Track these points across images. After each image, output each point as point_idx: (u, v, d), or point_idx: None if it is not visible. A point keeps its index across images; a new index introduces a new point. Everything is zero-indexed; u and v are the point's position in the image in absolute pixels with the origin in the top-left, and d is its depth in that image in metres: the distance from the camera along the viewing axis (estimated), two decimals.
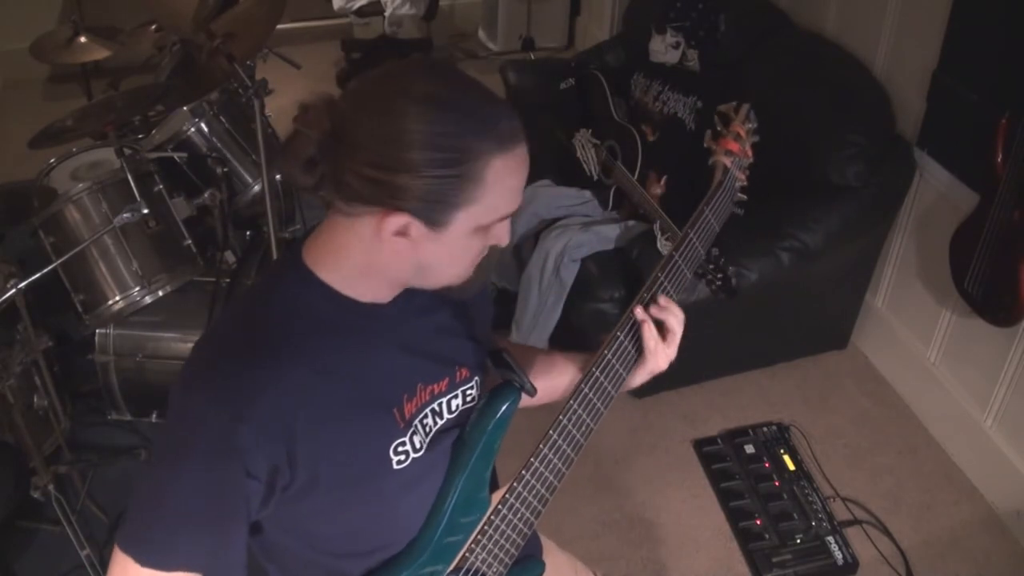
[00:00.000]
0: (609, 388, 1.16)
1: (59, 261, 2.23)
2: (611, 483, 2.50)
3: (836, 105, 2.56)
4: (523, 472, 1.13)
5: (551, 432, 1.13)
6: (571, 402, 1.13)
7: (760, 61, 2.84)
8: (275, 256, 2.40)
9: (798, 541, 2.31)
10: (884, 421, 2.70)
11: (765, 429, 2.62)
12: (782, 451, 2.54)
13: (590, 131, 2.99)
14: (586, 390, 1.14)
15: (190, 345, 2.44)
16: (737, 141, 1.40)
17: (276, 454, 0.97)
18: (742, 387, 2.81)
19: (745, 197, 1.42)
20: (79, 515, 2.26)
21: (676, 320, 1.18)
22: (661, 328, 1.18)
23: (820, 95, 2.60)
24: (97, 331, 2.43)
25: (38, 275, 2.12)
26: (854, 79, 2.64)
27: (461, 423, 1.16)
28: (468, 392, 1.17)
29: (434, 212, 0.94)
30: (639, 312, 1.16)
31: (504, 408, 1.14)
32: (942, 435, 2.63)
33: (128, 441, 2.55)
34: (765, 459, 2.52)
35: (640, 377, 1.21)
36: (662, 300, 1.18)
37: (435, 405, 1.12)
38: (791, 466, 2.50)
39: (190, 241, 2.47)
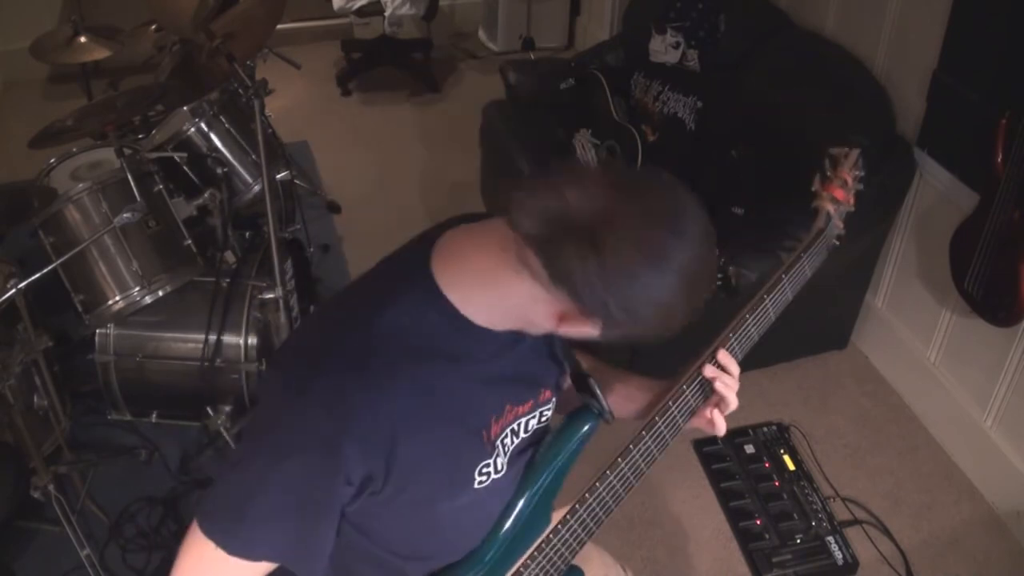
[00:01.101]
0: (679, 421, 1.21)
1: (59, 261, 2.23)
2: None
3: (836, 105, 2.56)
4: (586, 495, 1.16)
5: (618, 459, 1.15)
6: (643, 432, 1.16)
7: (760, 61, 2.83)
8: (275, 256, 2.39)
9: (798, 541, 2.31)
10: (884, 421, 2.70)
11: (765, 429, 2.61)
12: (782, 451, 2.54)
13: (590, 131, 2.99)
14: (660, 424, 1.18)
15: (190, 345, 2.47)
16: (843, 188, 1.37)
17: (375, 467, 0.99)
18: (742, 387, 2.77)
19: (839, 244, 1.41)
20: (79, 515, 2.26)
21: (733, 385, 1.23)
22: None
23: (820, 95, 2.59)
24: (97, 331, 2.43)
25: (38, 275, 2.12)
26: (854, 79, 2.64)
27: (535, 442, 1.18)
28: (545, 412, 1.19)
29: (617, 333, 0.96)
30: (708, 371, 1.20)
31: (581, 433, 1.16)
32: (942, 435, 2.63)
33: (128, 441, 2.55)
34: (765, 459, 2.52)
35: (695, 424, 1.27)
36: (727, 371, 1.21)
37: (515, 425, 1.14)
38: (791, 466, 2.50)
39: (190, 241, 2.47)
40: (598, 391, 1.15)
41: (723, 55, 2.84)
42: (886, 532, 2.38)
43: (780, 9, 3.06)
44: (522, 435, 1.15)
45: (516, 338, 1.07)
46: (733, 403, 1.22)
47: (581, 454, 1.19)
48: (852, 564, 2.27)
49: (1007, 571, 2.30)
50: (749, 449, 2.55)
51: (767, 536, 2.33)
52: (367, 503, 1.04)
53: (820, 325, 2.89)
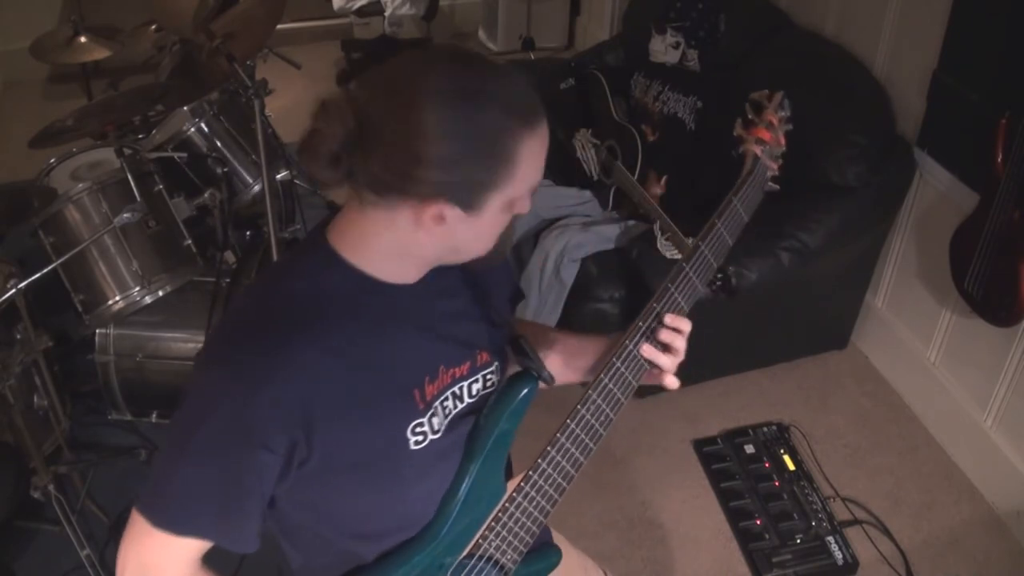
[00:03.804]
0: (631, 379, 1.17)
1: (59, 261, 2.23)
2: (611, 483, 2.50)
3: (836, 105, 2.55)
4: (539, 461, 1.14)
5: (569, 421, 1.13)
6: (590, 392, 1.14)
7: (760, 61, 2.83)
8: (275, 256, 2.40)
9: (798, 541, 2.31)
10: (884, 421, 2.70)
11: (765, 429, 2.61)
12: (782, 451, 2.54)
13: (590, 131, 2.98)
14: (606, 380, 1.14)
15: (190, 345, 2.47)
16: (769, 130, 1.39)
17: (293, 431, 0.99)
18: (742, 387, 2.80)
19: (777, 187, 1.41)
20: (79, 515, 2.26)
21: (682, 341, 1.18)
22: (668, 349, 1.18)
23: (820, 95, 2.59)
24: (97, 331, 2.43)
25: (38, 275, 2.13)
26: (854, 79, 2.64)
27: (479, 408, 1.17)
28: (488, 377, 1.18)
29: (471, 197, 0.96)
30: (645, 351, 1.16)
31: (521, 395, 1.14)
32: (942, 435, 2.63)
33: (128, 441, 2.55)
34: (765, 459, 2.52)
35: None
36: (668, 320, 1.17)
37: (456, 388, 1.13)
38: (791, 466, 2.50)
39: (190, 241, 2.47)
40: (530, 351, 1.16)
41: (723, 55, 2.83)
42: (886, 532, 2.38)
43: (780, 9, 3.06)
44: (466, 400, 1.15)
45: (439, 294, 1.09)
46: (678, 353, 1.18)
47: (529, 422, 1.18)
48: (852, 564, 2.26)
49: (1007, 571, 2.30)
50: (749, 449, 2.55)
51: (767, 536, 2.33)
52: (303, 476, 1.04)
53: (820, 325, 2.89)
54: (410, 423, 1.08)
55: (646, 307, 1.17)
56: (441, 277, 1.10)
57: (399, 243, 1.01)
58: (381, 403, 1.05)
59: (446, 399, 1.12)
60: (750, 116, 1.41)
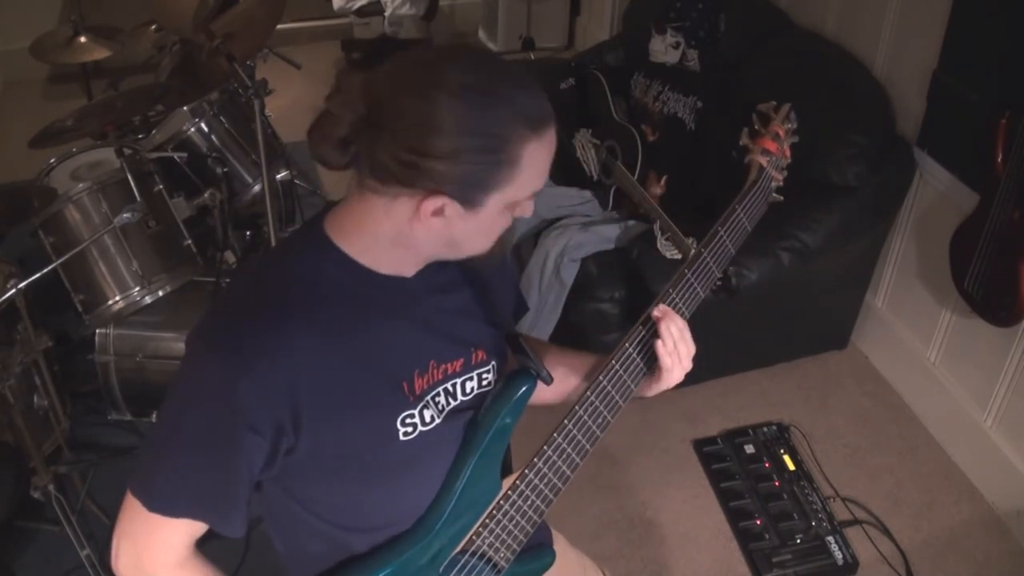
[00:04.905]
0: (629, 383, 1.18)
1: (59, 261, 2.23)
2: (611, 483, 2.50)
3: (836, 105, 2.56)
4: (535, 460, 1.14)
5: (566, 421, 1.14)
6: (589, 393, 1.14)
7: (760, 61, 2.83)
8: None
9: (798, 541, 2.31)
10: (884, 421, 2.70)
11: (765, 429, 2.61)
12: (782, 451, 2.54)
13: (590, 131, 2.98)
14: (605, 383, 1.15)
15: None
16: (775, 141, 1.39)
17: (279, 414, 0.99)
18: (742, 387, 2.80)
19: (781, 198, 1.42)
20: (79, 515, 2.26)
21: (683, 340, 1.17)
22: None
23: (820, 95, 2.59)
24: (97, 331, 2.43)
25: (38, 275, 2.12)
26: (854, 79, 2.64)
27: (476, 406, 1.17)
28: (484, 376, 1.18)
29: (471, 194, 0.97)
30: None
31: (520, 393, 1.15)
32: (942, 435, 2.63)
33: (128, 441, 2.55)
34: (765, 459, 2.52)
35: (655, 389, 1.22)
36: (657, 312, 1.16)
37: (448, 385, 1.13)
38: (791, 466, 2.50)
39: (190, 241, 2.47)
40: (528, 349, 1.16)
41: (723, 55, 2.83)
42: (886, 532, 2.38)
43: (780, 9, 3.06)
44: (460, 397, 1.15)
45: (438, 289, 1.10)
46: (685, 347, 1.17)
47: (526, 423, 1.18)
48: (852, 564, 2.26)
49: (1007, 571, 2.30)
50: (749, 449, 2.55)
51: (767, 536, 2.33)
52: (291, 465, 1.04)
53: (820, 325, 2.89)
54: (399, 414, 1.08)
55: (645, 313, 1.17)
56: (442, 272, 1.11)
57: (396, 233, 1.01)
58: (369, 392, 1.05)
59: (438, 395, 1.12)
60: (756, 126, 1.41)
